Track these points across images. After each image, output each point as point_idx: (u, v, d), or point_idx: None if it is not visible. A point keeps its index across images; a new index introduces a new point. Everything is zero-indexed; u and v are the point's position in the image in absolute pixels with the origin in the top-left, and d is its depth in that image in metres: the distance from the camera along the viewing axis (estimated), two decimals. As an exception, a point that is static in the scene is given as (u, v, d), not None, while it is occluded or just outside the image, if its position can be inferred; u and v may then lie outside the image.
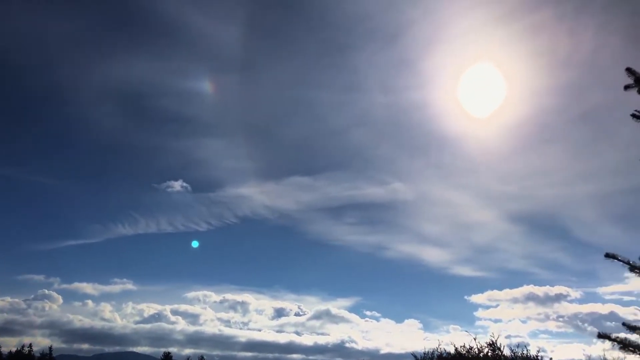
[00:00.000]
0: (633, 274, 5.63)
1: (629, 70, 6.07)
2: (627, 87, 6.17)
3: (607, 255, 5.69)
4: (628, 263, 5.53)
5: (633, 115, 6.32)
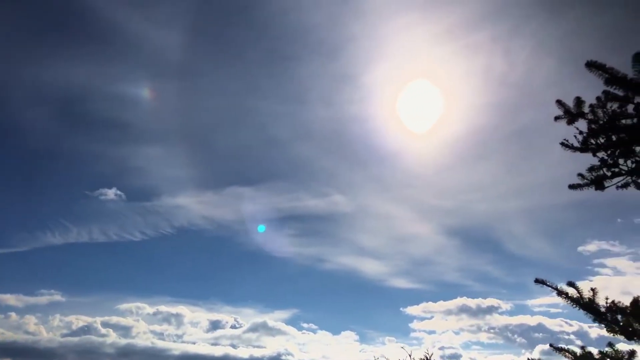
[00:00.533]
0: (560, 287, 5.82)
1: (559, 102, 6.32)
2: (557, 118, 6.42)
3: (537, 281, 5.88)
4: (555, 288, 5.73)
5: (562, 144, 6.55)
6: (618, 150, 6.26)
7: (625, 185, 6.47)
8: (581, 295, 5.48)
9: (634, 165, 6.26)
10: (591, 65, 5.10)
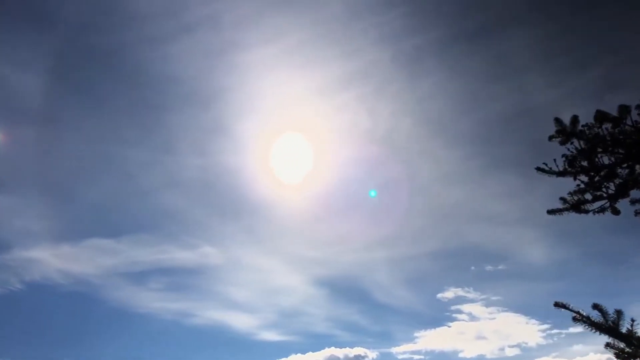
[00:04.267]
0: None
1: (557, 120, 6.09)
2: (551, 138, 6.17)
3: (556, 305, 5.33)
4: (577, 312, 5.25)
5: (538, 169, 6.34)
6: (601, 174, 6.27)
7: (602, 210, 6.46)
8: (606, 319, 5.11)
9: (613, 191, 6.30)
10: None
